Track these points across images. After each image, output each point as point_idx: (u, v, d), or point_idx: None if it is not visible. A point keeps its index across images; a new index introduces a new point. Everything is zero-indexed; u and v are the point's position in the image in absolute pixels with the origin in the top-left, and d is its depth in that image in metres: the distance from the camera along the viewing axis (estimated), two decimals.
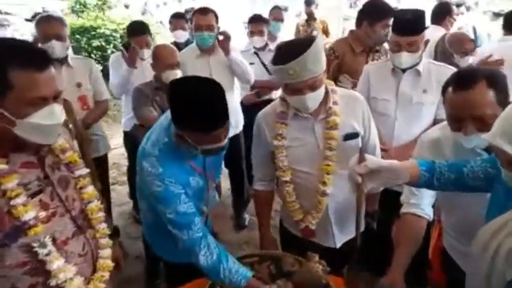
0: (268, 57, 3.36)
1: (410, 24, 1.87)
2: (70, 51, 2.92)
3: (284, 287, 1.41)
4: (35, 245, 1.02)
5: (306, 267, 1.42)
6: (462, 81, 1.22)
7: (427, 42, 1.97)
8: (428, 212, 1.43)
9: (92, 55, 6.18)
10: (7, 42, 1.04)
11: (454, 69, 1.99)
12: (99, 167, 2.54)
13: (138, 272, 2.73)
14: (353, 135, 1.56)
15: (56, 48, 2.35)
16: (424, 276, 1.99)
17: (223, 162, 1.87)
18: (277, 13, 3.90)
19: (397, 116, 2.02)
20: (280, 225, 1.83)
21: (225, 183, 3.44)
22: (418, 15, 1.90)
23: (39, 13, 5.22)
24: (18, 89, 0.95)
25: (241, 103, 3.25)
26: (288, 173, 1.59)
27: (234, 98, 2.94)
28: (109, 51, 6.22)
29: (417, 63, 1.96)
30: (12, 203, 0.98)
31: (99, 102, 2.68)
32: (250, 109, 3.12)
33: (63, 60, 2.48)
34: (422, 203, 1.43)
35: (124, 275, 2.59)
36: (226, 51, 2.71)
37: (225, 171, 3.31)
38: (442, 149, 1.40)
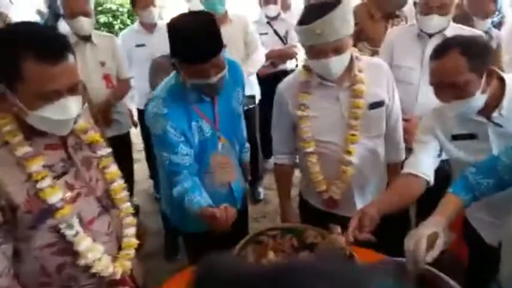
0: (281, 26, 3.34)
1: None
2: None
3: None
4: (62, 226, 1.02)
5: (328, 239, 1.42)
6: (437, 50, 1.25)
7: (458, 5, 1.90)
8: (427, 173, 1.38)
9: (100, 31, 6.11)
10: (22, 28, 0.97)
11: (481, 33, 1.91)
12: (122, 146, 2.56)
13: (158, 247, 2.78)
14: (379, 104, 1.53)
15: (84, 25, 2.32)
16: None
17: (244, 132, 1.83)
18: None
19: (421, 84, 1.94)
20: (300, 198, 1.82)
21: None
22: None
23: None
24: (29, 82, 0.91)
25: (257, 76, 3.19)
26: (312, 144, 1.56)
27: (248, 70, 2.86)
28: (116, 27, 6.14)
29: (445, 28, 1.88)
30: (38, 186, 0.98)
31: (121, 80, 2.64)
32: (266, 82, 3.11)
33: (88, 38, 2.43)
34: (420, 164, 1.39)
35: (143, 250, 2.66)
36: None
37: None
38: (445, 117, 1.39)
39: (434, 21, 1.84)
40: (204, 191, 1.49)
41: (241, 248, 1.43)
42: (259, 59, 2.91)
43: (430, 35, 1.91)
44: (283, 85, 1.62)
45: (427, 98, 1.92)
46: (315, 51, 1.40)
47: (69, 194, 1.05)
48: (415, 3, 1.95)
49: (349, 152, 1.52)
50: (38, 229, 1.01)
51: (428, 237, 1.12)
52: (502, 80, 1.29)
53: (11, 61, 0.90)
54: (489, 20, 2.37)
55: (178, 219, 1.75)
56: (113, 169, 1.19)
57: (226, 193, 1.67)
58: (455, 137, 1.39)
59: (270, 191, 3.42)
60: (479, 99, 1.24)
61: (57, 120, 0.96)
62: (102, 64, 2.49)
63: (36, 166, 0.98)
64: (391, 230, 1.79)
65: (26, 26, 0.99)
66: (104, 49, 2.51)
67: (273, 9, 3.27)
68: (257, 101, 3.11)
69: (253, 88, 3.00)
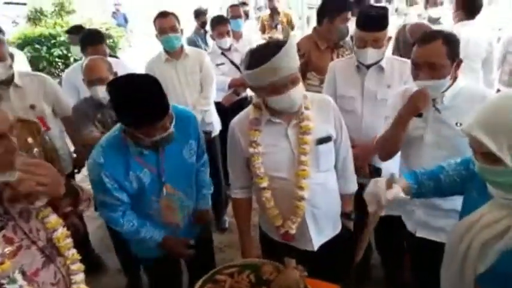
0: (235, 56, 3.43)
1: (375, 20, 1.90)
2: (19, 68, 2.66)
3: None
4: (4, 281, 0.99)
5: (284, 273, 1.43)
6: (425, 37, 1.52)
7: (389, 38, 2.01)
8: None
9: (54, 64, 5.97)
10: None
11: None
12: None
13: (120, 285, 2.70)
14: (326, 139, 1.58)
15: None
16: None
17: (204, 178, 1.93)
18: (235, 10, 3.90)
19: (364, 112, 2.05)
20: (260, 230, 1.83)
21: None
22: (382, 11, 1.94)
23: None
24: None
25: (219, 105, 3.25)
26: (265, 180, 1.59)
27: (202, 109, 2.89)
28: (71, 59, 6.02)
29: (381, 59, 2.00)
30: None
31: (65, 118, 2.49)
32: (229, 110, 3.16)
33: (9, 82, 2.24)
34: None
35: None
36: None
37: None
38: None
39: (369, 54, 1.95)
40: (151, 225, 1.70)
41: None
42: (211, 95, 2.97)
43: (368, 67, 2.02)
44: (235, 122, 1.65)
45: (370, 124, 2.04)
46: (273, 89, 1.43)
47: (8, 249, 1.01)
48: (351, 37, 2.06)
49: (301, 188, 1.55)
50: None
51: (386, 181, 1.31)
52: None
53: None
54: None
55: (136, 247, 1.86)
56: (53, 218, 1.15)
57: (178, 229, 1.79)
58: None
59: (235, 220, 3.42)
60: (446, 83, 1.52)
61: None
62: (32, 107, 2.31)
63: None
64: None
65: None
66: (31, 90, 2.31)
67: (226, 41, 3.36)
68: (217, 131, 3.14)
69: (212, 118, 3.03)
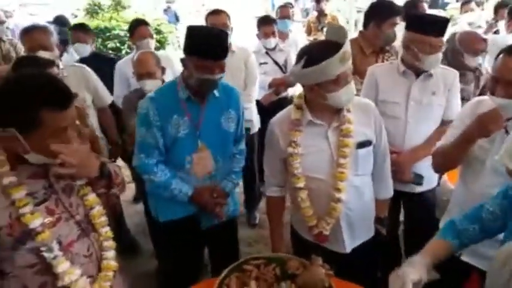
0: (279, 56, 3.46)
1: (442, 25, 1.87)
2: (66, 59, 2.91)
3: None
4: (42, 249, 1.08)
5: (309, 270, 1.44)
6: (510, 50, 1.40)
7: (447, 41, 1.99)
8: None
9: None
10: (39, 81, 1.06)
11: (455, 72, 2.00)
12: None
13: (151, 268, 2.79)
14: (366, 143, 1.58)
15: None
16: None
17: (242, 149, 1.98)
18: (284, 11, 3.92)
19: (408, 118, 2.00)
20: (291, 228, 1.85)
21: None
22: (444, 17, 1.93)
23: (59, 16, 5.31)
24: (45, 128, 1.02)
25: (258, 103, 3.30)
26: (302, 180, 1.59)
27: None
28: (123, 52, 6.33)
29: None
30: (20, 211, 1.05)
31: (101, 108, 2.66)
32: (268, 109, 3.20)
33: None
34: None
35: (140, 270, 2.68)
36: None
37: None
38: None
39: (437, 60, 1.90)
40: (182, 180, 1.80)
41: (225, 276, 1.47)
42: (254, 94, 3.04)
43: (417, 73, 1.97)
44: (275, 122, 1.67)
45: (415, 132, 2.00)
46: (340, 80, 1.44)
47: (49, 219, 1.12)
48: (404, 43, 1.98)
49: (338, 190, 1.55)
50: (19, 250, 1.07)
51: (414, 285, 1.15)
52: None
53: (30, 111, 1.00)
54: (479, 58, 2.44)
55: (157, 207, 1.94)
56: (91, 197, 1.25)
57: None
58: None
59: (266, 216, 3.44)
60: None
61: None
62: (75, 96, 2.48)
63: (18, 194, 1.06)
64: (376, 266, 1.83)
65: (39, 78, 1.08)
66: (74, 81, 2.43)
67: (271, 42, 3.41)
68: (256, 129, 3.19)
69: (252, 115, 3.09)
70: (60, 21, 4.90)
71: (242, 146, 1.98)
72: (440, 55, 1.89)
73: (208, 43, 1.57)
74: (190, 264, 1.98)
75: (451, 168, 1.65)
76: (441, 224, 1.64)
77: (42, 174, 1.14)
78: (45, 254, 1.08)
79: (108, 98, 2.75)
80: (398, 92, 2.01)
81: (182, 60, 1.68)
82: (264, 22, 3.44)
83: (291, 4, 5.82)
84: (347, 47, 1.39)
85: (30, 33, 2.35)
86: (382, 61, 2.44)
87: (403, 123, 2.01)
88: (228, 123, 1.83)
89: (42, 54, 2.27)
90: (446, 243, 1.28)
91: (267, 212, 1.87)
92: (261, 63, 3.39)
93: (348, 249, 1.67)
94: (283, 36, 3.77)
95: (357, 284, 1.50)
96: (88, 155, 1.18)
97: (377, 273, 1.77)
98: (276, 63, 3.44)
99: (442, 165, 1.68)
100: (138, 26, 2.97)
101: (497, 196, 1.25)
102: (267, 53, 3.44)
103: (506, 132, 1.45)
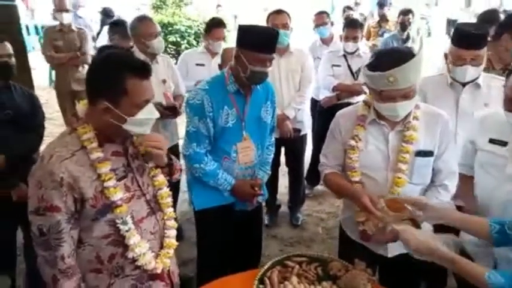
0: (355, 61, 3.41)
1: (474, 39, 1.83)
2: None
3: None
4: (118, 221, 1.21)
5: (352, 274, 1.47)
6: None
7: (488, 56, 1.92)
8: None
9: (167, 49, 6.61)
10: (123, 55, 1.27)
11: None
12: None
13: (192, 255, 2.89)
14: (427, 153, 1.56)
15: (159, 46, 2.68)
16: None
17: (273, 141, 2.16)
18: (319, 18, 3.99)
19: (458, 130, 1.96)
20: (340, 228, 1.87)
21: (283, 180, 3.51)
22: (482, 29, 1.87)
23: (105, 8, 6.25)
24: (131, 95, 1.16)
25: (316, 104, 3.36)
26: (359, 174, 1.62)
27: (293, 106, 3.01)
28: (183, 47, 6.61)
29: (477, 77, 1.92)
30: (105, 185, 1.19)
31: (177, 96, 2.89)
32: (327, 111, 3.22)
33: (153, 57, 2.68)
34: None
35: (183, 257, 2.81)
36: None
37: (284, 170, 3.41)
38: (489, 124, 1.61)
39: (468, 72, 1.87)
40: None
41: (268, 269, 1.53)
42: (307, 96, 3.09)
43: (464, 84, 1.94)
44: (341, 113, 1.71)
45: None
46: (384, 96, 1.46)
47: (126, 195, 1.24)
48: (445, 54, 1.98)
49: (393, 194, 1.55)
50: (98, 221, 1.20)
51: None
52: None
53: (118, 81, 1.15)
54: None
55: (194, 194, 2.06)
56: (161, 178, 1.37)
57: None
58: (492, 141, 1.59)
59: (308, 217, 3.47)
60: None
61: (148, 119, 1.22)
62: (164, 82, 2.74)
63: (104, 169, 1.19)
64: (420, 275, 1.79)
65: (122, 53, 1.28)
66: (164, 68, 2.78)
67: (352, 46, 3.40)
68: (307, 130, 3.23)
69: (303, 116, 3.13)
70: (105, 12, 6.20)
71: (272, 140, 2.16)
72: (470, 67, 1.86)
73: (263, 38, 1.76)
74: (222, 252, 2.10)
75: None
76: None
77: (122, 153, 1.27)
78: (120, 226, 1.21)
79: (183, 88, 2.99)
80: (446, 104, 1.95)
81: (235, 56, 1.81)
82: (349, 25, 3.46)
83: (348, 7, 5.75)
84: (397, 73, 1.36)
85: (145, 21, 2.71)
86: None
87: (452, 135, 1.95)
88: (266, 115, 2.00)
89: (158, 41, 2.68)
90: (485, 221, 1.29)
91: (329, 186, 1.74)
92: (333, 65, 3.41)
93: (390, 254, 1.66)
94: (326, 41, 3.86)
95: None
96: (165, 144, 1.33)
97: (420, 284, 1.75)
98: (350, 68, 3.43)
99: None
100: (216, 28, 3.17)
101: None
102: (344, 56, 3.44)
103: None
